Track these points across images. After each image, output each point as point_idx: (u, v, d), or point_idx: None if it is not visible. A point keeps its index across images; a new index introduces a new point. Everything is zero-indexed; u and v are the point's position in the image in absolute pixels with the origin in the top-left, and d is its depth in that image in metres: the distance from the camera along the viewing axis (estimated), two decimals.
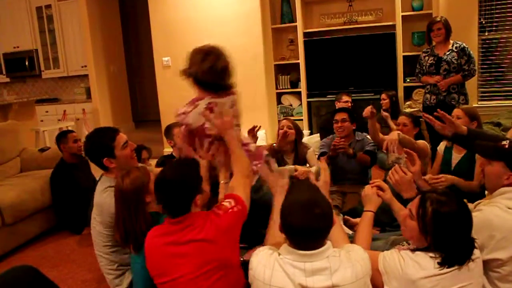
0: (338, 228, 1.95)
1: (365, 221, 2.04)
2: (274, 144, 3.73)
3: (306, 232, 1.55)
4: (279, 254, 1.63)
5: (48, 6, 7.43)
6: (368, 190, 2.14)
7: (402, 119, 3.61)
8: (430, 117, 2.66)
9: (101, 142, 2.38)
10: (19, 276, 1.91)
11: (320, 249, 1.58)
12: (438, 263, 1.62)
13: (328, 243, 1.62)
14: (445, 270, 1.60)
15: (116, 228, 2.15)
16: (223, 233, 1.81)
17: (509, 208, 1.83)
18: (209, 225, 1.81)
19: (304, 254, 1.57)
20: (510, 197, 1.87)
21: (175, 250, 1.81)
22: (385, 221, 2.73)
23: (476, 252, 1.70)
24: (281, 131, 3.62)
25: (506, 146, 1.98)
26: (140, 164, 2.61)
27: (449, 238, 1.62)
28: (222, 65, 2.14)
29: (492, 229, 1.79)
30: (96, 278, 2.97)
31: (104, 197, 2.38)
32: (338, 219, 2.06)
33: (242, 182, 2.03)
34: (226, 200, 1.92)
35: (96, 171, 4.30)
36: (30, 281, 1.93)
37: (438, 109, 2.74)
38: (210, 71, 2.11)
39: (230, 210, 1.87)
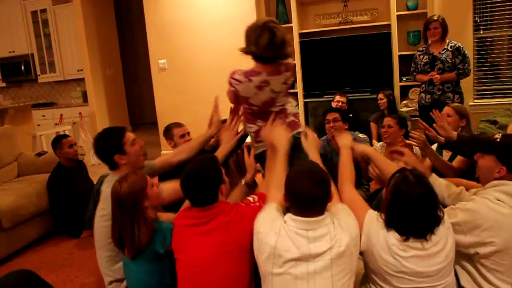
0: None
1: (344, 154, 2.34)
2: None
3: (310, 197, 1.74)
4: (285, 222, 1.79)
5: (43, 11, 7.41)
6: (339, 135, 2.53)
7: (387, 120, 3.59)
8: (425, 124, 2.91)
9: (111, 139, 2.45)
10: (18, 280, 1.91)
11: (322, 217, 1.76)
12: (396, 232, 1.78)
13: (326, 213, 1.80)
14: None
15: (111, 233, 2.16)
16: (244, 221, 1.96)
17: (498, 200, 1.89)
18: (234, 212, 1.99)
19: (307, 221, 1.74)
20: (501, 190, 1.92)
21: (197, 229, 1.97)
22: None
23: (444, 222, 1.81)
24: None
25: (498, 140, 2.05)
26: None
27: (404, 215, 1.77)
28: (280, 39, 2.36)
29: (480, 219, 1.86)
30: (95, 282, 2.97)
31: None
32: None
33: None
34: (251, 196, 2.16)
35: (93, 174, 4.31)
36: (29, 285, 1.93)
37: (433, 109, 2.85)
38: (268, 47, 2.35)
39: (252, 204, 2.07)
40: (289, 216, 1.80)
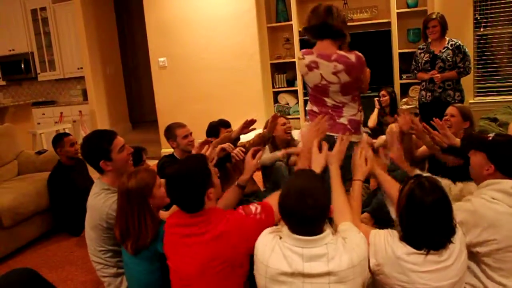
0: (344, 201, 2.03)
1: (356, 189, 2.18)
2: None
3: (298, 218, 1.62)
4: (280, 238, 1.69)
5: (43, 9, 7.41)
6: (356, 161, 2.27)
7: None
8: (429, 128, 2.88)
9: (98, 145, 2.37)
10: (18, 278, 1.92)
11: (319, 236, 1.62)
12: (404, 241, 1.72)
13: (327, 230, 1.66)
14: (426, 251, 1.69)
15: (118, 224, 2.14)
16: (238, 233, 1.84)
17: (493, 198, 1.90)
18: (225, 222, 1.86)
19: (303, 239, 1.62)
20: (495, 188, 1.94)
21: (187, 240, 1.86)
22: (384, 218, 2.76)
23: (458, 233, 1.76)
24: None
25: (490, 138, 2.06)
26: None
27: (419, 224, 1.69)
28: (323, 8, 2.68)
29: (478, 219, 1.87)
30: (96, 280, 2.96)
31: (97, 200, 2.36)
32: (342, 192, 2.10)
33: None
34: (254, 205, 1.97)
35: (93, 173, 4.30)
36: (30, 283, 1.93)
37: (434, 118, 2.85)
38: (311, 13, 2.64)
39: (252, 216, 1.92)
40: (286, 231, 1.67)
